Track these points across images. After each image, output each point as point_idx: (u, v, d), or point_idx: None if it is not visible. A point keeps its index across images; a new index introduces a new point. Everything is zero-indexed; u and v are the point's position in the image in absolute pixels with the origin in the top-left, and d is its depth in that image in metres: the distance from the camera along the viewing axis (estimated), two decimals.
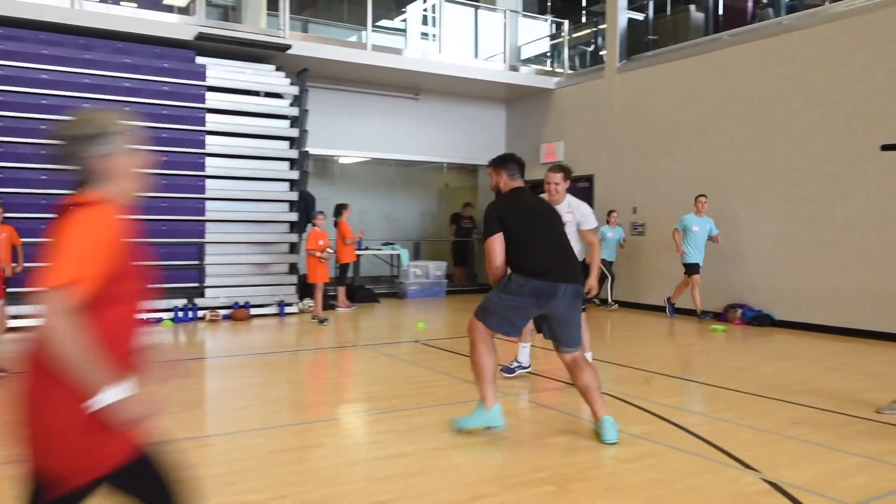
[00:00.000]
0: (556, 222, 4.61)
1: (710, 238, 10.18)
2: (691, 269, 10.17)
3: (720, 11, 12.16)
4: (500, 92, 14.41)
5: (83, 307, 1.76)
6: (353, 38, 13.39)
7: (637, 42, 12.92)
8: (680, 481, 3.80)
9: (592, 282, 5.74)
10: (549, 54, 15.31)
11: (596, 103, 12.94)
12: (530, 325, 5.70)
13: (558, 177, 5.73)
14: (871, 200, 8.93)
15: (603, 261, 11.44)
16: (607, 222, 11.74)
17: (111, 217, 1.88)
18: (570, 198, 5.83)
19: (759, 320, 9.76)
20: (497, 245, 4.36)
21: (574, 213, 5.80)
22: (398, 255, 13.50)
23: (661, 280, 11.39)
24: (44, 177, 9.46)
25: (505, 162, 4.70)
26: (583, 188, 13.66)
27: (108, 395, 1.74)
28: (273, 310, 10.68)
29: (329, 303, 11.34)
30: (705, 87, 10.98)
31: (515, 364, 6.45)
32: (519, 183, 4.66)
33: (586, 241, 5.95)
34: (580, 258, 5.60)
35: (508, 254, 4.38)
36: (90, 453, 1.79)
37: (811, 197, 9.54)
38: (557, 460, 4.08)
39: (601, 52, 13.61)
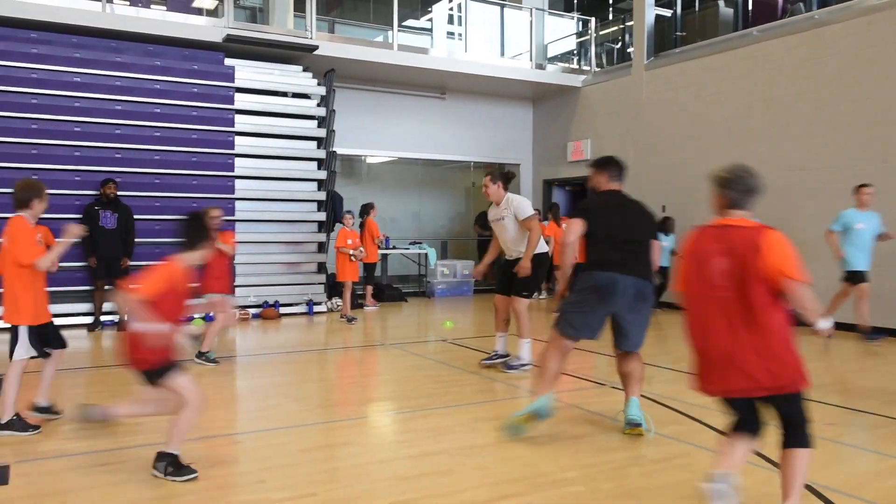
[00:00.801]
0: (640, 227, 4.69)
1: (880, 237, 8.29)
2: (856, 276, 8.25)
3: (749, 7, 11.99)
4: (527, 90, 14.36)
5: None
6: (380, 38, 13.44)
7: (665, 39, 12.79)
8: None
9: (525, 263, 6.30)
10: (575, 52, 15.22)
11: (623, 101, 12.84)
12: (505, 313, 6.63)
13: (486, 179, 6.55)
14: None
15: None
16: None
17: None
18: (508, 195, 6.57)
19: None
20: (575, 227, 4.57)
21: (510, 208, 6.47)
22: (426, 255, 13.51)
23: None
24: (77, 178, 9.63)
25: (607, 164, 4.90)
26: None
27: (822, 323, 3.10)
28: (302, 309, 10.76)
29: (357, 302, 11.39)
30: (734, 84, 10.84)
31: (494, 353, 6.81)
32: (616, 186, 4.83)
33: (525, 228, 6.45)
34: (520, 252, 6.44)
35: (583, 246, 4.62)
36: (802, 366, 3.02)
37: (841, 193, 9.35)
38: (586, 460, 4.06)
39: (628, 50, 13.50)
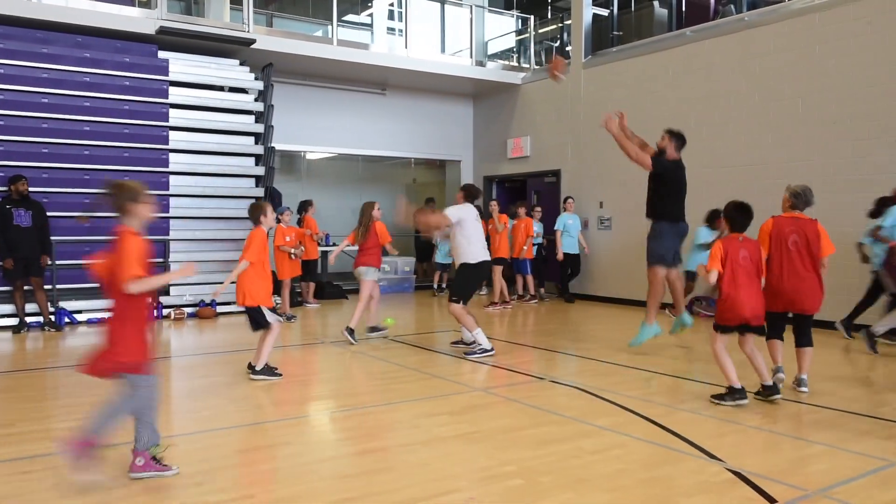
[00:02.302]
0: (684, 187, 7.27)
1: None
2: None
3: (683, 8, 12.30)
4: (467, 87, 14.42)
5: None
6: (319, 33, 13.28)
7: (602, 37, 13.02)
8: (645, 471, 3.85)
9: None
10: (515, 50, 15.36)
11: (562, 98, 13.02)
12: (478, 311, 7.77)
13: (459, 195, 7.53)
14: (826, 195, 9.10)
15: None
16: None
17: None
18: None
19: None
20: (646, 161, 7.02)
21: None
22: None
23: (625, 275, 11.51)
24: (0, 174, 9.23)
25: (681, 137, 7.16)
26: (549, 183, 13.73)
27: None
28: (239, 307, 10.53)
29: (297, 300, 11.25)
30: (669, 82, 11.11)
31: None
32: (678, 156, 7.13)
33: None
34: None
35: (662, 197, 7.07)
36: None
37: (770, 189, 9.68)
38: (525, 453, 4.11)
39: (567, 48, 13.70)
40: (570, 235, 11.86)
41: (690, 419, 4.87)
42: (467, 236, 7.18)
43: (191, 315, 10.05)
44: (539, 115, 13.61)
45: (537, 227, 12.23)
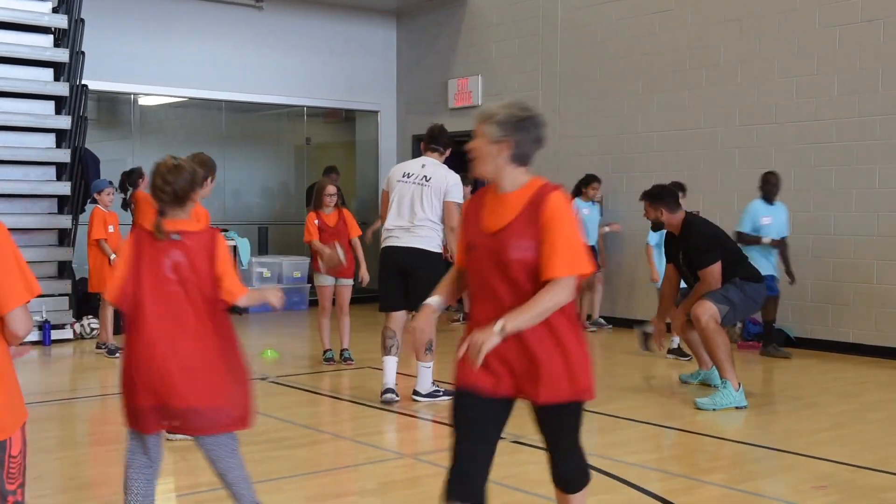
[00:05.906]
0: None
1: None
2: None
3: None
4: None
5: None
6: None
7: None
8: None
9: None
10: None
11: (531, 18, 13.02)
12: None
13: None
14: None
15: None
16: None
17: None
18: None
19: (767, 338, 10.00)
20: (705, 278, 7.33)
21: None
22: (234, 248, 13.26)
23: (626, 287, 11.57)
24: None
25: (661, 193, 7.54)
26: None
27: None
28: (33, 335, 10.25)
29: (122, 323, 11.00)
30: None
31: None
32: (682, 213, 7.56)
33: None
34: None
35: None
36: None
37: (844, 158, 9.78)
38: None
39: None
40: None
41: (723, 498, 4.89)
42: None
43: None
44: (497, 43, 13.59)
45: None
